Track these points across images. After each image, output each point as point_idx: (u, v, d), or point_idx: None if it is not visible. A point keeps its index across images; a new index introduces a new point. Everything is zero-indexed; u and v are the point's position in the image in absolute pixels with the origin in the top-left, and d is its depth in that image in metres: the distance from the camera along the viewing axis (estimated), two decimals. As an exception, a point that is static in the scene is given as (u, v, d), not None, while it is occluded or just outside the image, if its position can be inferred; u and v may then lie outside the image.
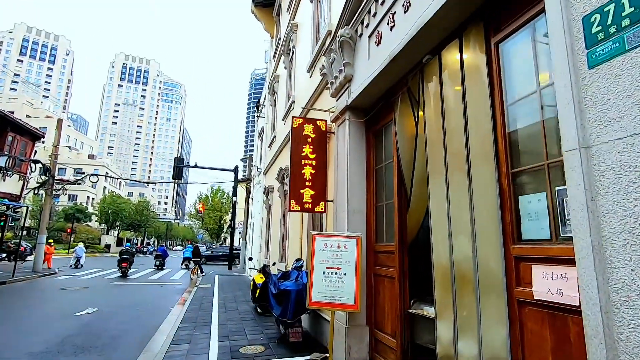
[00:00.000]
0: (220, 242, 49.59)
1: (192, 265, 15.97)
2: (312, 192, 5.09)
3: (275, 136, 11.73)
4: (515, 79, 2.42)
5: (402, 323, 3.54)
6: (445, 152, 2.99)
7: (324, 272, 3.93)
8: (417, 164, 3.64)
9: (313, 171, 5.16)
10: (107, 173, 40.85)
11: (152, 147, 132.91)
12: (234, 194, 21.15)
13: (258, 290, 7.14)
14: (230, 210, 25.96)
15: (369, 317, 4.15)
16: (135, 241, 58.60)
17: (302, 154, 5.17)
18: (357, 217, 4.41)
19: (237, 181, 21.05)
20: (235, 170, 21.38)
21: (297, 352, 4.66)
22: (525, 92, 2.32)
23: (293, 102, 8.90)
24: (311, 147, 5.23)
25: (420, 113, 3.54)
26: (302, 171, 5.13)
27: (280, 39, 11.71)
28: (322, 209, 5.08)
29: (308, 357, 4.46)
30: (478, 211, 2.55)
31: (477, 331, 2.45)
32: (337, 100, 5.01)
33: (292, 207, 4.99)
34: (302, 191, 5.06)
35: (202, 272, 16.02)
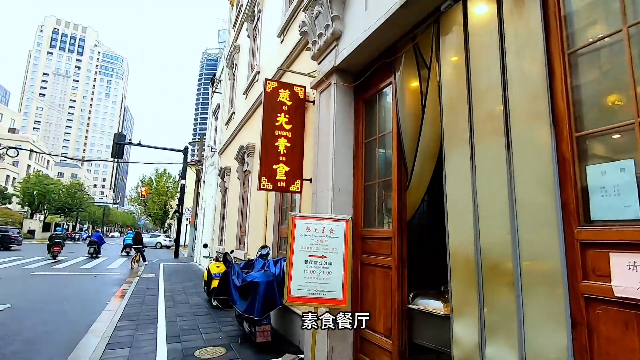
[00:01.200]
0: (165, 230, 46.59)
1: (132, 252, 14.39)
2: (287, 169, 4.36)
3: (233, 112, 10.69)
4: (583, 16, 1.92)
5: (399, 320, 3.01)
6: (471, 116, 2.45)
7: (306, 261, 3.27)
8: (424, 134, 3.08)
9: (288, 144, 4.43)
10: (31, 150, 35.92)
11: (88, 124, 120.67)
12: (183, 176, 19.51)
13: (215, 282, 6.29)
14: (178, 195, 24.12)
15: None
16: (65, 227, 53.03)
17: (277, 124, 4.40)
18: (343, 197, 3.79)
19: (186, 162, 19.42)
20: (185, 150, 19.70)
21: (265, 354, 3.97)
22: (599, 32, 1.82)
23: (258, 72, 7.99)
24: (287, 115, 4.48)
25: (432, 74, 2.98)
26: (276, 144, 4.37)
27: (242, 5, 10.58)
28: (297, 188, 4.39)
29: (279, 360, 3.81)
30: (522, 186, 2.04)
31: (517, 335, 1.97)
32: (319, 64, 4.29)
33: (263, 185, 4.23)
34: (275, 167, 4.32)
35: (144, 260, 14.52)
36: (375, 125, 3.73)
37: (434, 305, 2.79)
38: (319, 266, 3.26)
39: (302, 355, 3.89)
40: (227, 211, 10.34)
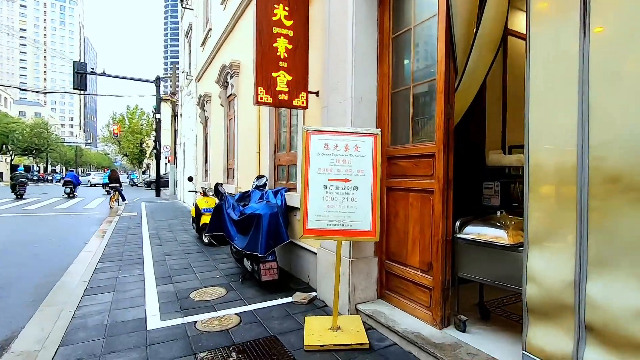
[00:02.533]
0: (144, 170, 45.02)
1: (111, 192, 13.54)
2: (289, 78, 3.49)
3: (210, 30, 9.22)
4: None
5: (444, 253, 2.48)
6: (587, -36, 1.64)
7: (325, 187, 2.61)
8: (487, 11, 2.26)
9: (290, 46, 3.50)
10: (-18, 84, 32.26)
11: (45, 57, 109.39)
12: (157, 110, 17.94)
13: (205, 217, 5.68)
14: (154, 131, 22.57)
15: (379, 246, 3.05)
16: (36, 169, 50.51)
17: (274, 17, 3.42)
18: (364, 109, 3.03)
19: (159, 94, 17.72)
20: (157, 81, 17.85)
21: (272, 293, 3.50)
22: None
23: (239, -29, 6.56)
24: (286, 7, 3.48)
25: None
26: (275, 44, 3.43)
27: None
28: (302, 102, 3.56)
29: (289, 299, 3.34)
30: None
31: (653, 268, 1.41)
32: None
33: (261, 98, 3.38)
34: (274, 75, 3.43)
35: (123, 199, 13.74)
36: (410, 10, 2.84)
37: (494, 234, 2.24)
38: (341, 192, 2.61)
39: (314, 293, 3.43)
40: (210, 143, 9.43)
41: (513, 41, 4.06)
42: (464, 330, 2.43)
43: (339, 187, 2.61)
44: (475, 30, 2.35)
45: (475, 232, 2.36)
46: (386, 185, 2.99)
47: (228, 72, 6.87)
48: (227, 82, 7.10)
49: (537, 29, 1.85)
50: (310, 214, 2.60)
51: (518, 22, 4.19)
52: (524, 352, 1.92)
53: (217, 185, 4.37)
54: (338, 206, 2.60)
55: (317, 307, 3.17)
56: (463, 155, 3.10)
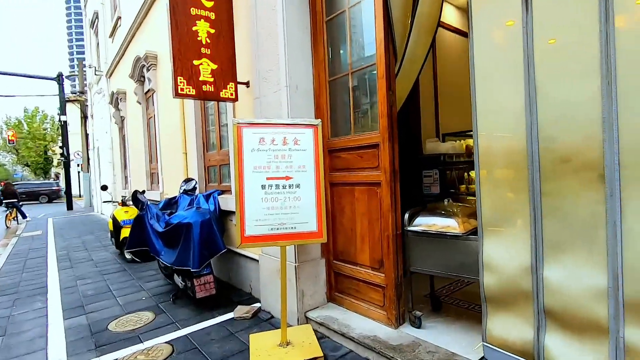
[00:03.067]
0: (53, 180, 39.51)
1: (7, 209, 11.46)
2: (214, 67, 3.09)
3: (119, 18, 8.19)
4: None
5: (395, 248, 2.34)
6: (526, -63, 1.57)
7: (263, 187, 2.30)
8: (426, -9, 2.15)
9: (212, 30, 3.09)
10: None
11: None
12: (62, 111, 15.69)
13: (125, 230, 4.96)
14: (60, 136, 19.79)
15: (326, 246, 2.84)
16: None
17: (192, -3, 2.98)
18: (301, 98, 2.77)
19: (63, 93, 15.51)
20: (59, 78, 15.59)
21: (210, 311, 3.09)
22: None
23: (148, -49, 5.83)
24: (206, -13, 3.06)
25: None
26: (194, 28, 3.00)
27: None
28: (231, 94, 3.18)
29: (230, 315, 2.97)
30: (629, 33, 1.31)
31: (608, 247, 1.39)
32: None
33: (182, 90, 2.93)
34: (196, 63, 3.00)
35: (24, 216, 11.76)
36: (343, -9, 2.64)
37: (444, 223, 2.15)
38: (282, 191, 2.33)
39: (258, 305, 3.11)
40: (128, 146, 8.41)
41: (441, 32, 4.14)
42: (419, 326, 2.32)
43: (280, 186, 2.33)
44: (413, 10, 2.24)
45: (425, 223, 2.26)
46: (329, 181, 2.78)
47: (144, 65, 6.11)
48: (144, 77, 6.32)
49: (479, 5, 1.76)
50: (249, 219, 2.27)
51: (446, 14, 4.28)
52: (484, 343, 1.85)
53: (135, 193, 3.77)
54: (280, 207, 2.31)
55: (263, 320, 2.85)
56: (401, 145, 3.02)
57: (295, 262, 2.68)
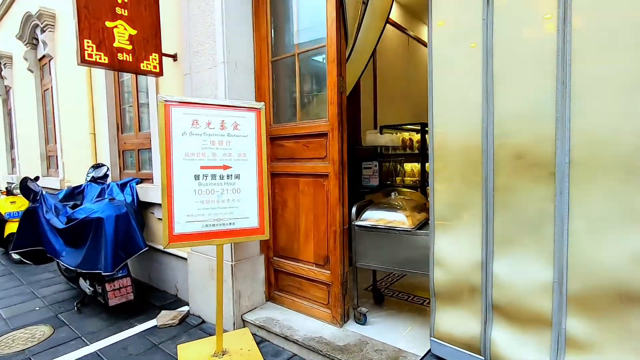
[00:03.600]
0: None
1: None
2: (133, 32, 2.59)
3: (2, -37, 6.64)
4: None
5: (342, 243, 2.23)
6: None
7: (197, 177, 1.98)
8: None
9: (131, -12, 2.58)
10: None
11: None
12: None
13: (11, 225, 4.07)
14: None
15: (266, 242, 2.61)
16: None
17: (103, -58, 2.43)
18: (241, 77, 2.47)
19: None
20: None
21: (127, 319, 2.66)
22: None
23: None
24: None
25: None
26: (106, -18, 2.47)
27: None
28: (155, 67, 2.72)
29: (153, 323, 2.59)
30: (583, 22, 1.34)
31: (555, 243, 1.43)
32: None
33: (90, 56, 2.39)
34: (110, 25, 2.48)
35: None
36: (291, -39, 2.39)
37: (394, 217, 2.10)
38: (219, 182, 2.04)
39: (186, 308, 2.77)
40: (16, 123, 6.99)
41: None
42: (364, 323, 2.26)
43: (216, 177, 2.03)
44: (367, -9, 2.10)
45: (373, 217, 2.18)
46: (270, 171, 2.54)
47: (37, 25, 5.04)
48: (37, 39, 5.24)
49: (440, -6, 1.68)
50: (179, 215, 1.94)
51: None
52: (432, 338, 1.85)
53: (25, 180, 3.06)
54: (216, 201, 2.02)
55: (192, 326, 2.54)
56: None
57: (232, 261, 2.41)
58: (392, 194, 2.36)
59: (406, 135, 4.18)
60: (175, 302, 2.96)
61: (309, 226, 2.38)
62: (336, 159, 2.18)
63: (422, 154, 3.96)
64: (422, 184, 3.98)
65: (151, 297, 3.07)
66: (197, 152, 1.99)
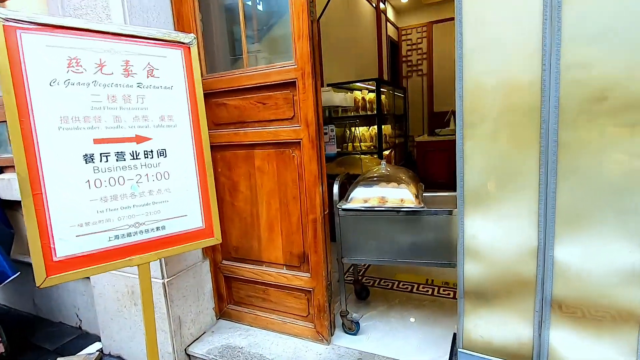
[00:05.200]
0: None
1: None
2: None
3: None
4: None
5: (324, 236, 1.63)
6: None
7: (88, 159, 1.16)
8: None
9: None
10: None
11: None
12: None
13: None
14: None
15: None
16: None
17: None
18: None
19: None
20: None
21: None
22: None
23: None
24: None
25: None
26: None
27: None
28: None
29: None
30: None
31: (650, 216, 1.04)
32: None
33: None
34: None
35: None
36: None
37: (396, 195, 1.55)
38: (131, 165, 1.25)
39: (96, 346, 1.95)
40: None
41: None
42: (357, 332, 1.75)
43: (125, 155, 1.23)
44: None
45: (366, 196, 1.61)
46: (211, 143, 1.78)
47: None
48: None
49: None
50: (61, 225, 1.12)
51: None
52: (462, 350, 1.40)
53: None
54: (129, 195, 1.24)
55: (111, 375, 1.75)
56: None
57: (164, 277, 1.65)
58: (383, 162, 1.80)
59: (358, 94, 3.65)
60: (79, 338, 2.09)
61: (273, 215, 1.72)
62: (311, 119, 1.52)
63: (378, 116, 3.49)
64: (379, 150, 3.54)
65: (39, 336, 2.12)
66: (83, 116, 1.15)
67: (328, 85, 3.62)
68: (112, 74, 1.20)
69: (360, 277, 2.34)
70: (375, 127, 3.63)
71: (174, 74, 1.35)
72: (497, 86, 1.17)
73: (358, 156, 3.26)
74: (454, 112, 5.28)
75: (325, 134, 3.10)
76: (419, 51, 6.36)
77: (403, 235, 1.56)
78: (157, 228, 1.30)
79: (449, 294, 2.08)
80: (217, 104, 1.74)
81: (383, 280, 2.32)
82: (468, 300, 1.35)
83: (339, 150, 3.63)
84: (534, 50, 1.11)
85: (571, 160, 1.12)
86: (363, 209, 1.55)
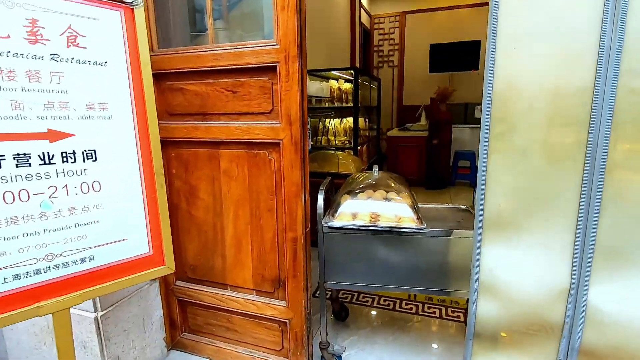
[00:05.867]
0: None
1: None
2: None
3: None
4: None
5: (305, 257, 1.34)
6: None
7: (-33, 163, 0.77)
8: None
9: None
10: None
11: None
12: None
13: None
14: None
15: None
16: None
17: None
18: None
19: None
20: None
21: None
22: None
23: None
24: None
25: None
26: None
27: None
28: None
29: None
30: None
31: None
32: None
33: None
34: None
35: None
36: None
37: (393, 212, 1.29)
38: (42, 173, 0.87)
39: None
40: None
41: None
42: (339, 365, 1.50)
43: (30, 159, 0.85)
44: None
45: (360, 211, 1.34)
46: (161, 137, 1.40)
47: None
48: None
49: None
50: None
51: None
52: (465, 398, 1.20)
53: None
54: (37, 216, 0.86)
55: None
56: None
57: (96, 311, 1.28)
58: (375, 168, 1.53)
59: (334, 83, 3.35)
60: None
61: (242, 230, 1.39)
62: (295, 116, 1.21)
63: (355, 108, 3.22)
64: (355, 145, 3.29)
65: None
66: (-42, 98, 0.75)
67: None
68: (8, 37, 0.81)
69: (337, 293, 2.10)
70: (349, 119, 3.36)
71: (109, 44, 0.97)
72: (536, 90, 0.94)
73: (332, 152, 2.99)
74: (425, 107, 5.17)
75: (299, 126, 2.78)
76: (391, 41, 6.15)
77: (397, 258, 1.32)
78: (83, 259, 0.94)
79: (434, 313, 1.89)
80: (172, 88, 1.36)
81: (362, 295, 2.09)
82: (479, 343, 1.14)
83: (312, 144, 3.34)
84: (588, 49, 0.88)
85: (619, 186, 0.92)
86: (354, 227, 1.28)
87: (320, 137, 3.33)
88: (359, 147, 3.37)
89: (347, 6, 4.84)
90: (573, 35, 0.89)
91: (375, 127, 4.81)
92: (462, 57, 5.39)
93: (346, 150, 3.27)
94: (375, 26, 6.20)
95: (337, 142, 3.36)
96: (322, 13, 3.94)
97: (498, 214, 1.04)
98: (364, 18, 5.73)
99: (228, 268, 1.45)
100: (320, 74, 3.31)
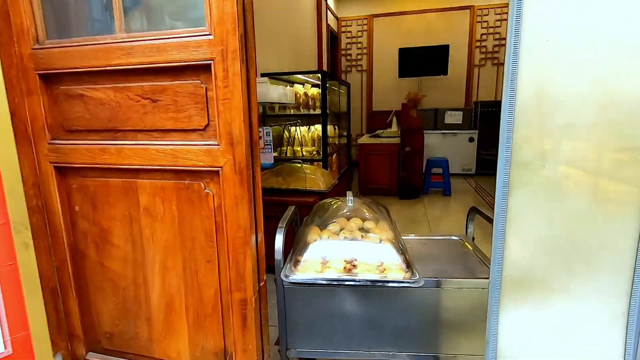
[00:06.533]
0: None
1: None
2: None
3: None
4: None
5: (259, 320, 0.99)
6: None
7: None
8: None
9: None
10: None
11: None
12: None
13: None
14: None
15: (65, 320, 1.11)
16: None
17: None
18: None
19: None
20: None
21: None
22: None
23: None
24: None
25: None
26: None
27: None
28: None
29: None
30: None
31: None
32: None
33: None
34: None
35: None
36: None
37: (375, 256, 0.98)
38: None
39: None
40: None
41: None
42: None
43: None
44: None
45: (332, 257, 1.01)
46: (51, 161, 1.01)
47: None
48: None
49: None
50: None
51: None
52: None
53: None
54: None
55: None
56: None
57: None
58: (349, 195, 1.21)
59: (299, 88, 3.03)
60: None
61: (173, 286, 1.03)
62: (238, 134, 0.86)
63: (323, 115, 2.92)
64: (324, 156, 2.98)
65: None
66: None
67: (263, 75, 2.93)
68: None
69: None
70: (318, 127, 3.06)
71: None
72: (579, 101, 0.66)
73: (299, 164, 2.66)
74: (396, 113, 4.97)
75: (260, 137, 2.43)
76: (359, 45, 5.94)
77: (379, 316, 1.01)
78: None
79: None
80: (68, 95, 0.98)
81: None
82: None
83: (275, 155, 2.99)
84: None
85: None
86: (324, 282, 0.95)
87: (285, 148, 2.99)
88: (328, 157, 3.07)
89: (314, 7, 4.56)
90: (632, 21, 0.62)
91: (345, 134, 4.54)
92: (431, 61, 5.26)
93: (315, 163, 2.96)
94: (343, 29, 5.97)
95: (304, 153, 3.03)
96: (286, 13, 3.62)
97: (523, 273, 0.75)
98: (331, 20, 5.47)
99: (156, 337, 1.08)
100: (284, 78, 2.98)
